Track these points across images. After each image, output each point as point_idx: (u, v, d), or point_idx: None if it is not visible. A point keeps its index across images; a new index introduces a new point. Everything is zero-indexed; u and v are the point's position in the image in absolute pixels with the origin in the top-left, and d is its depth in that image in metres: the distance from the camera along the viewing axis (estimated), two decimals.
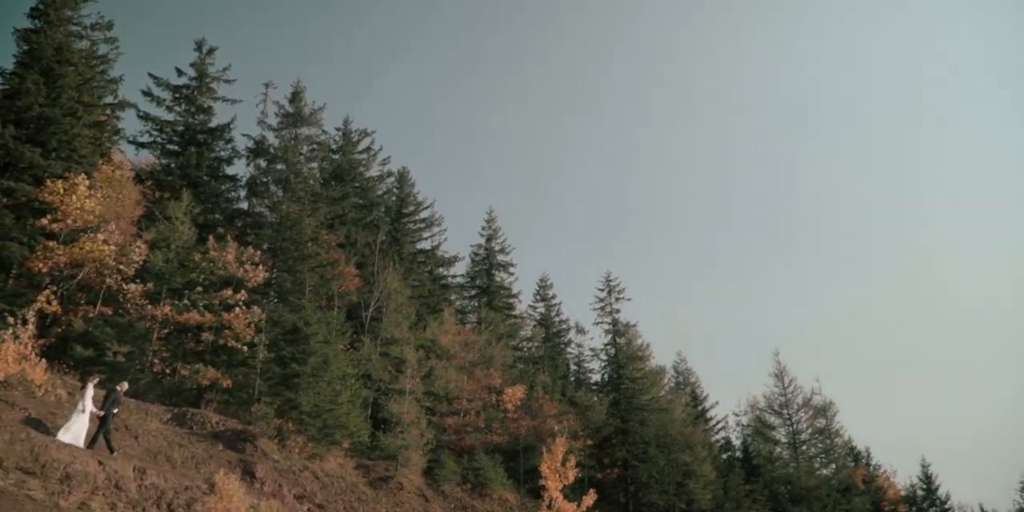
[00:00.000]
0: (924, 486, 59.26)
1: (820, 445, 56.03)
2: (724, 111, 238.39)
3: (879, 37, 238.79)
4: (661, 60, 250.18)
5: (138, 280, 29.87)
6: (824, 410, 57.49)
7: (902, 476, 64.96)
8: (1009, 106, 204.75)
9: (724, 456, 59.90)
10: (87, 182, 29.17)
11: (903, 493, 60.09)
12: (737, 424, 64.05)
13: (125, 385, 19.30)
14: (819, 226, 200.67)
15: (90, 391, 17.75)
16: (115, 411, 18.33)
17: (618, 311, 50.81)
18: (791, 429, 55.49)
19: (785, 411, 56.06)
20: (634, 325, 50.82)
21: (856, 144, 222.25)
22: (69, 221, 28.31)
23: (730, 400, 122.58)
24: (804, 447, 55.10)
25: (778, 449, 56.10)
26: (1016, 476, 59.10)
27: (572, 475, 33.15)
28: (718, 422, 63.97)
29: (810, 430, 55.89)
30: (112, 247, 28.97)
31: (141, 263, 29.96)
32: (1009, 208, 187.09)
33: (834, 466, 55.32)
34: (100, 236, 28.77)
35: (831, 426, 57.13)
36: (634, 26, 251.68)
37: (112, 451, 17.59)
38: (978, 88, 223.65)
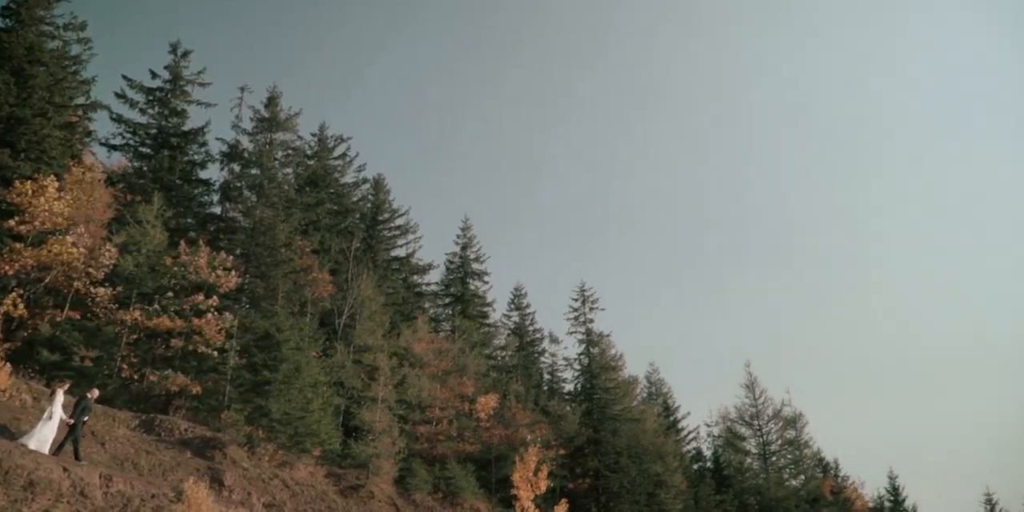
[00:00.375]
0: (891, 497, 59.99)
1: (789, 456, 56.46)
2: (701, 120, 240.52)
3: (857, 51, 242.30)
4: (638, 68, 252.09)
5: (107, 284, 29.40)
6: (794, 421, 57.96)
7: (870, 487, 65.57)
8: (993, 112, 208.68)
9: (695, 467, 60.14)
10: (56, 184, 28.68)
11: (871, 504, 60.76)
12: (708, 435, 64.45)
13: (96, 392, 18.90)
14: (789, 238, 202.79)
15: (59, 397, 17.35)
16: (85, 419, 17.90)
17: (592, 321, 51.05)
18: (761, 440, 55.86)
19: (756, 422, 56.45)
20: (607, 335, 51.08)
21: (826, 154, 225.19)
22: (37, 223, 27.79)
23: (702, 410, 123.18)
24: (774, 458, 55.49)
25: (748, 460, 56.47)
26: (981, 488, 60.10)
27: (544, 485, 33.14)
28: (690, 432, 64.34)
29: (780, 441, 56.32)
30: (81, 250, 28.45)
31: (111, 267, 29.47)
32: (982, 219, 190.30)
33: (803, 477, 55.80)
34: (69, 239, 28.27)
35: (800, 437, 57.63)
36: (613, 34, 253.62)
37: (79, 459, 17.23)
38: (960, 101, 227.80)
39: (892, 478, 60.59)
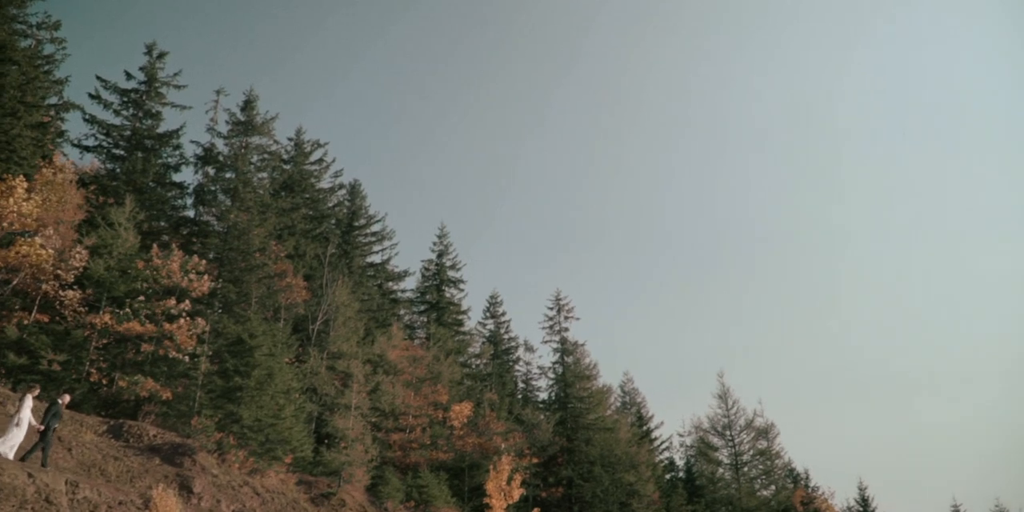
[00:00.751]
0: (861, 508, 60.33)
1: (761, 466, 56.60)
2: (673, 130, 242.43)
3: (825, 59, 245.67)
4: (612, 80, 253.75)
5: (76, 287, 28.92)
6: (766, 432, 58.17)
7: (840, 498, 65.93)
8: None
9: (667, 476, 60.17)
10: (26, 184, 28.22)
11: None
12: (681, 445, 64.54)
13: (67, 397, 18.43)
14: (761, 249, 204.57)
15: (28, 402, 16.90)
16: (56, 425, 17.41)
17: (567, 330, 51.16)
18: (733, 450, 55.96)
19: (728, 432, 56.55)
20: (582, 344, 51.15)
21: (800, 167, 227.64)
22: (5, 224, 27.32)
23: (675, 420, 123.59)
24: (745, 468, 55.60)
25: (720, 470, 56.53)
26: (949, 499, 60.75)
27: (517, 493, 33.01)
28: (663, 442, 64.34)
29: (752, 452, 56.43)
30: (50, 252, 28.00)
31: (81, 270, 29.00)
32: (952, 230, 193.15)
33: (774, 487, 55.91)
34: (37, 240, 27.81)
35: (772, 448, 57.82)
36: (587, 47, 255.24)
37: (45, 465, 16.82)
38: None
39: (862, 489, 61.01)
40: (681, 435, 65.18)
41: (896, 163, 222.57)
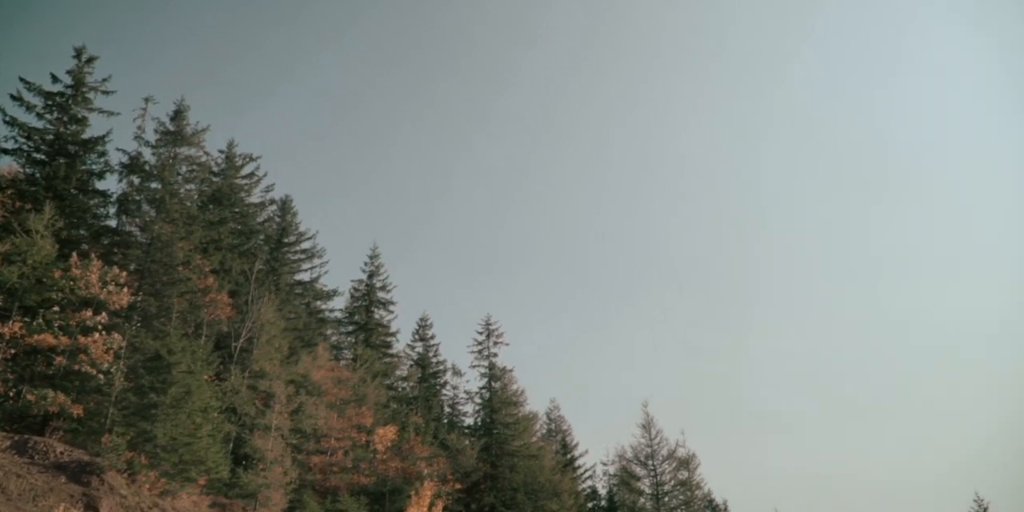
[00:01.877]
0: None
1: (681, 497, 57.14)
2: (604, 157, 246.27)
3: (755, 95, 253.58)
4: (546, 106, 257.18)
5: None
6: (687, 462, 58.82)
7: None
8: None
9: (590, 505, 60.23)
10: None
11: None
12: (604, 473, 64.76)
13: None
14: (685, 274, 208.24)
15: None
16: None
17: (495, 355, 51.04)
18: (655, 480, 56.41)
19: (650, 462, 57.02)
20: (511, 370, 51.05)
21: (724, 194, 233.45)
22: None
23: (599, 448, 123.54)
24: (666, 498, 56.05)
25: (642, 500, 56.85)
26: None
27: None
28: (586, 470, 64.43)
29: (673, 482, 56.97)
30: None
31: None
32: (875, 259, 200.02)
33: None
34: None
35: (692, 478, 58.47)
36: (523, 70, 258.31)
37: None
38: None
39: None
40: (604, 464, 65.31)
41: (818, 210, 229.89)
